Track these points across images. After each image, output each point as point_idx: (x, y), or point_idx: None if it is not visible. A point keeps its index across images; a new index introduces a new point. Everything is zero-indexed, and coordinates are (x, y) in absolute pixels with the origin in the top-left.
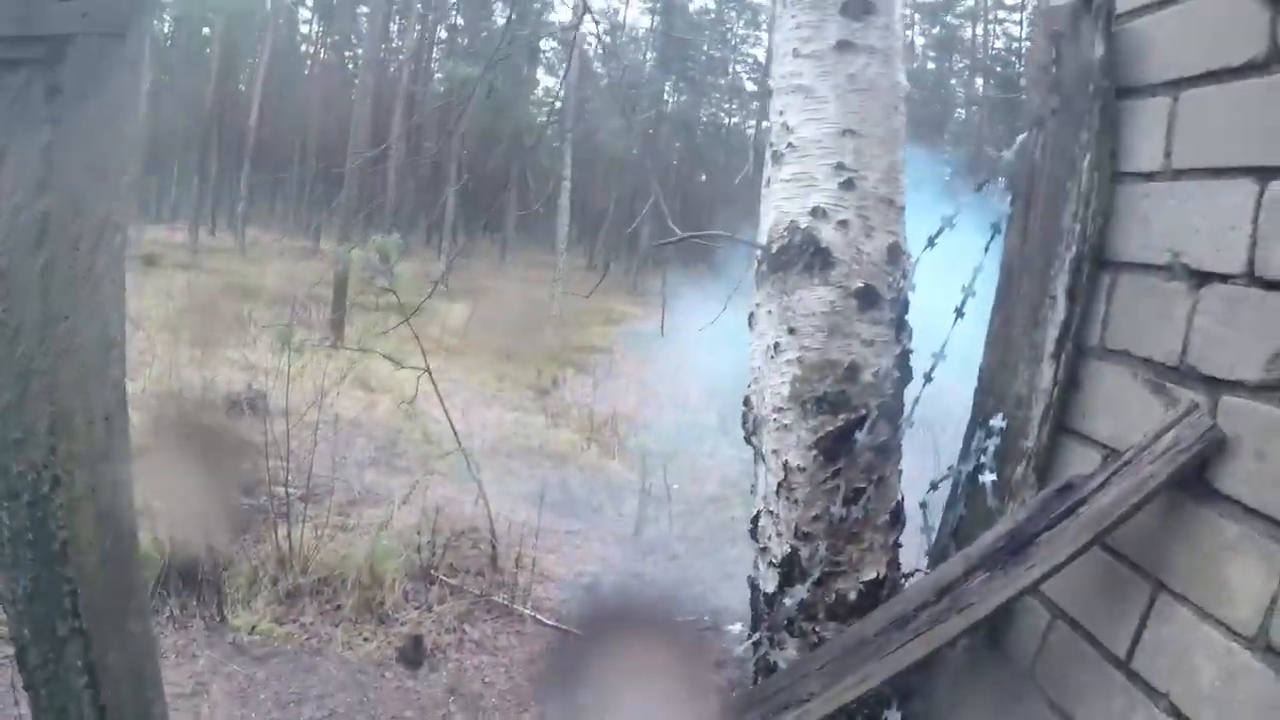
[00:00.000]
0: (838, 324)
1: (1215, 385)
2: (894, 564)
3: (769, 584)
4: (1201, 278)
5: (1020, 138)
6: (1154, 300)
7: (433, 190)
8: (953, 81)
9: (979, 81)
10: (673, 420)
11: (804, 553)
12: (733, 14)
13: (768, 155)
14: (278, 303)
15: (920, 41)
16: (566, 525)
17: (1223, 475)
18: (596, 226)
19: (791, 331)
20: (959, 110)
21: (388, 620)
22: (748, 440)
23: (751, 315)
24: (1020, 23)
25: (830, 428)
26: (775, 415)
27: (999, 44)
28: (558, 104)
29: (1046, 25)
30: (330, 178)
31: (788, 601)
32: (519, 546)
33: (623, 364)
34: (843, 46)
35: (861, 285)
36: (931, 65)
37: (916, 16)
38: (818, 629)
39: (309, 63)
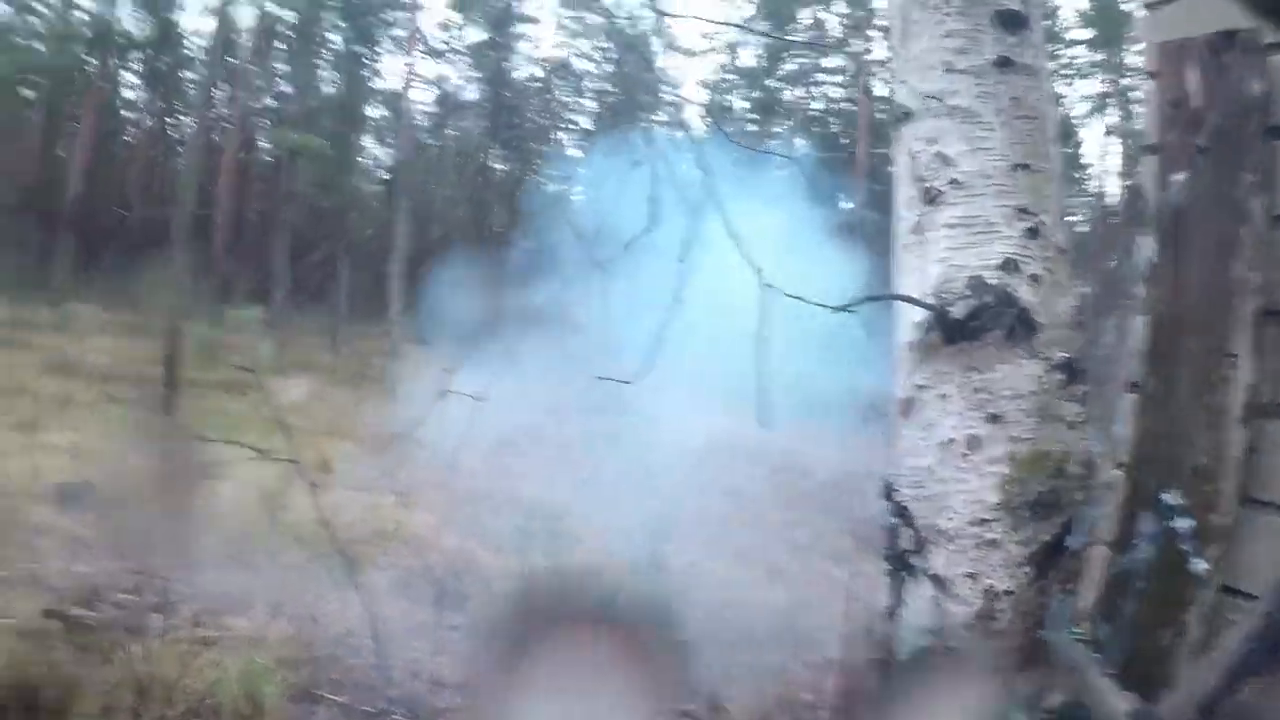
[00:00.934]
0: (1046, 405)
1: None
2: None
3: None
4: None
5: (1139, 176)
6: None
7: (259, 262)
8: (773, 143)
9: (797, 141)
10: (531, 493)
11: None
12: (560, 82)
13: (907, 193)
14: (105, 380)
15: (741, 105)
16: (447, 620)
17: None
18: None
19: (994, 419)
20: (778, 170)
21: None
22: (898, 564)
23: (909, 401)
24: (841, 85)
25: (1044, 537)
26: (976, 529)
27: (818, 105)
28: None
29: (1172, 57)
30: (153, 249)
31: None
32: (406, 652)
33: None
34: (1003, 65)
35: (1063, 355)
36: (753, 128)
37: (738, 80)
38: None
39: (133, 129)
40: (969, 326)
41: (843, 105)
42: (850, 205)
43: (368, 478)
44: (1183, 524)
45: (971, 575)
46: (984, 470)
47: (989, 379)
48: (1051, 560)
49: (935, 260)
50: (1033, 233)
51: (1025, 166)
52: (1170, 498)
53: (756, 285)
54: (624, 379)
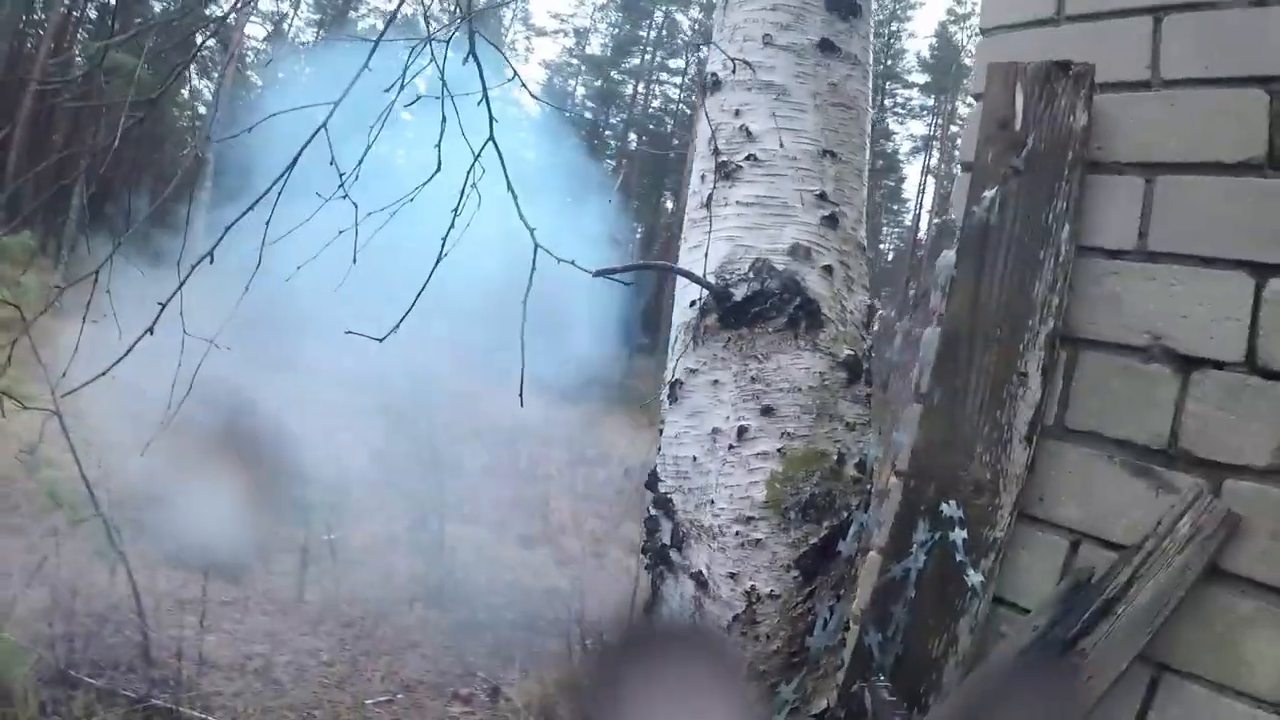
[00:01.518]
0: (826, 403)
1: (1216, 469)
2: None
3: None
4: (1188, 363)
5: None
6: (1131, 381)
7: (55, 190)
8: (607, 133)
9: (632, 136)
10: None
11: (750, 698)
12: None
13: (703, 166)
14: None
15: (581, 91)
16: (220, 594)
17: (1234, 556)
18: None
19: (767, 413)
20: (609, 160)
21: None
22: (658, 559)
23: (676, 385)
24: (680, 86)
25: (814, 540)
26: (738, 528)
27: (656, 103)
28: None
29: (1001, 79)
30: None
31: None
32: (174, 628)
33: None
34: (826, 48)
35: (849, 353)
36: (588, 115)
37: (582, 67)
38: None
39: None
40: (749, 311)
41: (679, 106)
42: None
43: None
44: (959, 535)
45: (733, 575)
46: (752, 465)
47: (765, 369)
48: (821, 565)
49: (722, 238)
50: (831, 222)
51: (833, 155)
52: (949, 508)
53: (529, 250)
54: (375, 336)
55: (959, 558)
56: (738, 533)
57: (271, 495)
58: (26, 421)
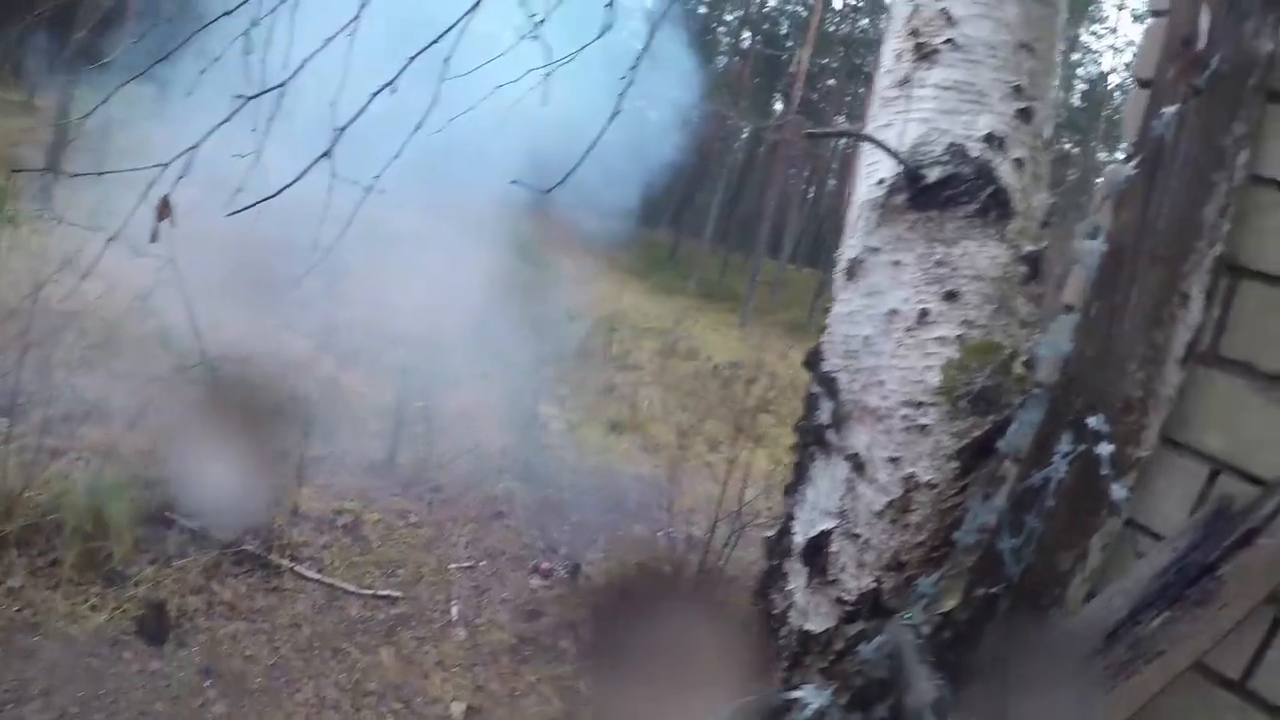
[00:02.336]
0: (1005, 296)
1: None
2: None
3: (819, 621)
4: None
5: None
6: None
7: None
8: (720, 29)
9: (746, 34)
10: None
11: (887, 586)
12: None
13: (898, 45)
14: None
15: None
16: (311, 450)
17: None
18: None
19: (950, 298)
20: (721, 58)
21: (118, 580)
22: (812, 439)
23: (855, 263)
24: None
25: (977, 432)
26: (906, 411)
27: (773, 3)
28: None
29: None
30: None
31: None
32: (267, 478)
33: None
34: None
35: (1031, 249)
36: (703, 10)
37: None
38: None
39: None
40: (940, 194)
41: (795, 8)
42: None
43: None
44: (1104, 449)
45: (894, 460)
46: (929, 349)
47: (951, 254)
48: (979, 459)
49: (916, 119)
50: (1025, 115)
51: (1030, 49)
52: (1095, 422)
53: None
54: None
55: (1104, 472)
56: (905, 416)
57: (366, 357)
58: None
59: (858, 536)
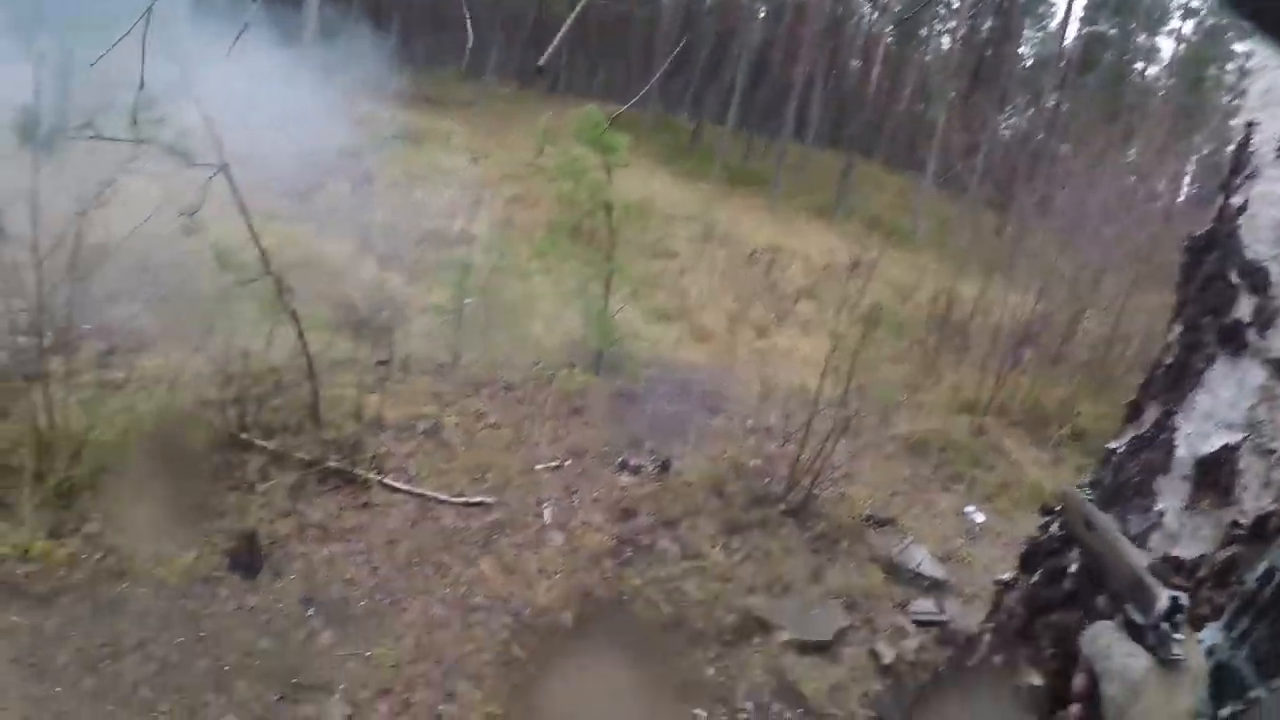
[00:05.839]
0: None
1: None
2: None
3: (1193, 545)
4: None
5: None
6: None
7: None
8: None
9: None
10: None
11: None
12: None
13: None
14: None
15: None
16: (375, 355)
17: None
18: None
19: None
20: None
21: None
22: (1224, 337)
23: None
24: None
25: None
26: None
27: None
28: None
29: None
30: None
31: None
32: (338, 388)
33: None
34: None
35: None
36: None
37: None
38: None
39: None
40: None
41: None
42: None
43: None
44: None
45: None
46: None
47: None
48: None
49: None
50: None
51: None
52: None
53: None
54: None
55: None
56: None
57: (409, 258)
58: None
59: (1272, 453)
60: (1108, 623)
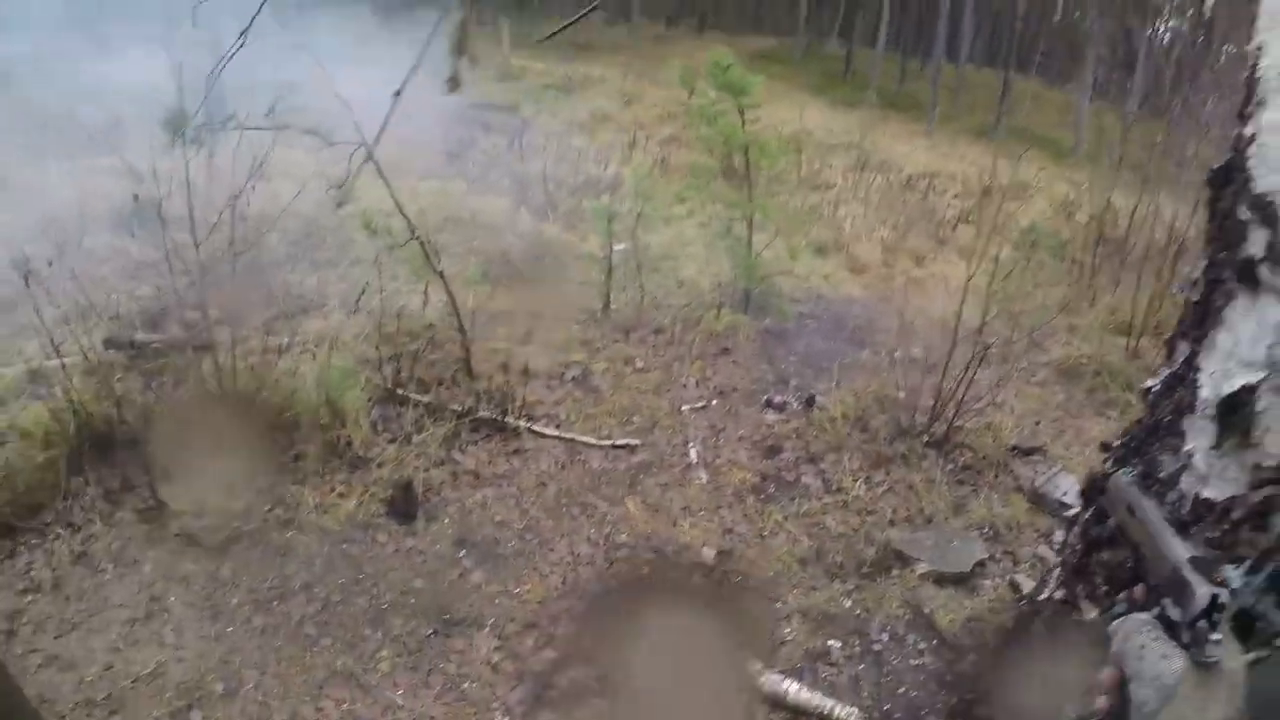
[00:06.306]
0: None
1: None
2: None
3: (1222, 487)
4: None
5: None
6: None
7: None
8: None
9: None
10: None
11: None
12: None
13: None
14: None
15: None
16: (526, 306)
17: None
18: None
19: None
20: None
21: (361, 465)
22: (1237, 272)
23: None
24: None
25: None
26: None
27: None
28: None
29: None
30: None
31: None
32: (489, 341)
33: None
34: None
35: None
36: None
37: None
38: None
39: None
40: None
41: None
42: None
43: (435, 164)
44: None
45: None
46: None
47: None
48: None
49: None
50: None
51: None
52: None
53: None
54: None
55: None
56: None
57: (563, 208)
58: (333, 156)
59: None
60: (1142, 616)
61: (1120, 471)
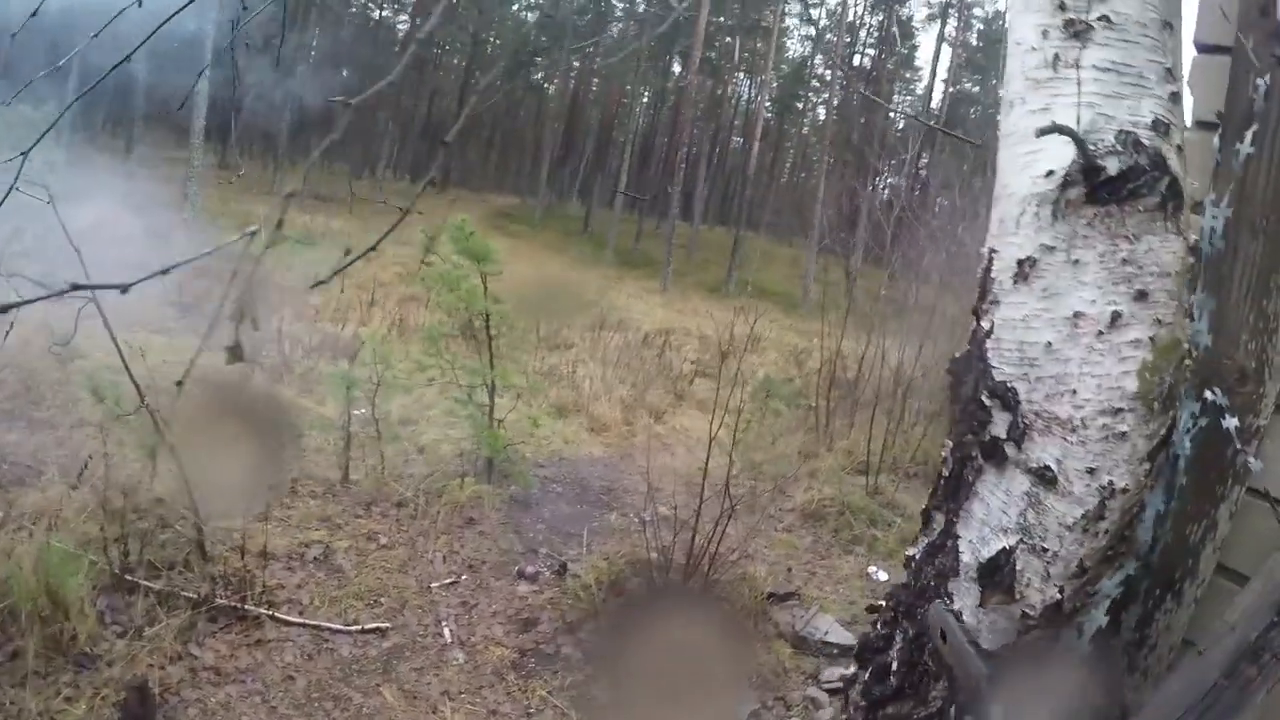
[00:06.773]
0: (1183, 290)
1: None
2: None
3: (994, 639)
4: None
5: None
6: None
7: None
8: None
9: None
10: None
11: (1069, 594)
12: None
13: (1042, 20)
14: None
15: None
16: (266, 478)
17: None
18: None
19: (1140, 298)
20: (615, 23)
21: (89, 663)
22: (984, 453)
23: (1025, 263)
24: None
25: (1162, 431)
26: (1104, 420)
27: None
28: None
29: None
30: None
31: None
32: (224, 520)
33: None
34: None
35: (1194, 239)
36: None
37: None
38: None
39: None
40: (1123, 188)
41: None
42: None
43: (166, 315)
44: (1229, 423)
45: (1091, 471)
46: (1124, 354)
47: (1136, 251)
48: (1159, 457)
49: (1082, 104)
50: (1176, 98)
51: (1170, 26)
52: (1214, 395)
53: None
54: None
55: (1235, 445)
56: (1103, 425)
57: (297, 370)
58: (58, 311)
59: (1045, 551)
60: None
61: (936, 602)
